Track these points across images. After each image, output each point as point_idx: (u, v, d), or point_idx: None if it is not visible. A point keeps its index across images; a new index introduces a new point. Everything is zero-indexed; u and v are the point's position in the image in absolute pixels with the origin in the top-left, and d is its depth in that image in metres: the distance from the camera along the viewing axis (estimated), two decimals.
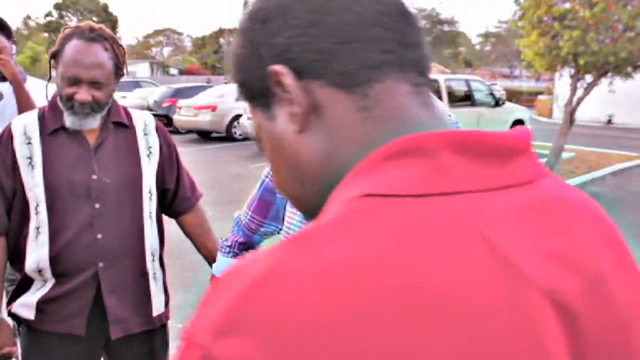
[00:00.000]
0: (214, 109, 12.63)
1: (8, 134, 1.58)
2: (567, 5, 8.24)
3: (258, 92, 0.50)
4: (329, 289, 0.34)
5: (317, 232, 0.38)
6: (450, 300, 0.35)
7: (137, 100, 16.02)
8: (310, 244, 0.37)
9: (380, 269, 0.35)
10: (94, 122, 1.58)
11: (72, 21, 49.15)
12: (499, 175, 0.43)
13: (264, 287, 0.35)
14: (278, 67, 0.47)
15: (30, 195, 1.56)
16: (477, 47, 64.14)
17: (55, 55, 1.55)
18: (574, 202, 0.48)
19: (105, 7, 53.08)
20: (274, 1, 0.49)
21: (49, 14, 50.95)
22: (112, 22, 52.79)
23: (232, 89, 11.87)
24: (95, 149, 1.60)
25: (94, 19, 50.45)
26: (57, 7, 51.66)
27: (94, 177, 1.58)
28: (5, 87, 2.05)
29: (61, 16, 49.90)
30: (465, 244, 0.38)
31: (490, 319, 0.36)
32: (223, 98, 12.84)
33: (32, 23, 53.27)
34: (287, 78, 0.47)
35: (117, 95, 1.71)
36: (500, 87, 26.94)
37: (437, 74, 11.30)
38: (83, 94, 1.51)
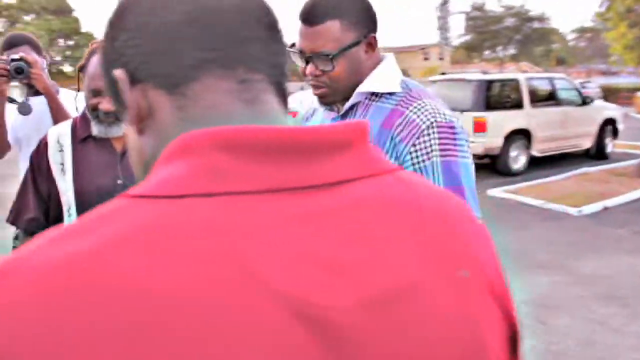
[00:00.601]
0: (294, 114, 12.87)
1: (44, 143, 1.71)
2: None
3: (115, 97, 0.52)
4: (27, 289, 0.34)
5: (65, 229, 0.38)
6: (146, 301, 0.34)
7: None
8: (52, 240, 0.38)
9: (75, 270, 0.35)
10: (119, 130, 1.67)
11: None
12: (287, 175, 0.40)
13: None
14: (117, 72, 0.48)
15: (63, 199, 1.68)
16: (572, 43, 60.58)
17: (82, 69, 1.67)
18: (396, 206, 0.44)
19: None
20: (118, 6, 0.50)
21: None
22: None
23: (309, 95, 12.09)
24: (121, 155, 1.70)
25: None
26: None
27: (119, 182, 1.67)
28: (40, 100, 2.21)
29: None
30: (200, 249, 0.36)
31: (206, 327, 0.34)
32: (303, 104, 13.06)
33: None
34: (122, 83, 0.47)
35: None
36: (594, 85, 25.33)
37: (518, 73, 10.82)
38: (106, 104, 1.61)
